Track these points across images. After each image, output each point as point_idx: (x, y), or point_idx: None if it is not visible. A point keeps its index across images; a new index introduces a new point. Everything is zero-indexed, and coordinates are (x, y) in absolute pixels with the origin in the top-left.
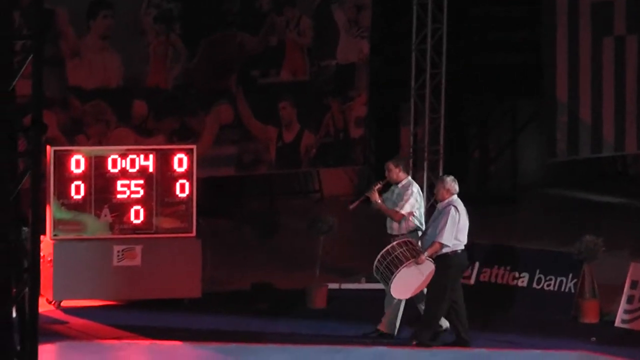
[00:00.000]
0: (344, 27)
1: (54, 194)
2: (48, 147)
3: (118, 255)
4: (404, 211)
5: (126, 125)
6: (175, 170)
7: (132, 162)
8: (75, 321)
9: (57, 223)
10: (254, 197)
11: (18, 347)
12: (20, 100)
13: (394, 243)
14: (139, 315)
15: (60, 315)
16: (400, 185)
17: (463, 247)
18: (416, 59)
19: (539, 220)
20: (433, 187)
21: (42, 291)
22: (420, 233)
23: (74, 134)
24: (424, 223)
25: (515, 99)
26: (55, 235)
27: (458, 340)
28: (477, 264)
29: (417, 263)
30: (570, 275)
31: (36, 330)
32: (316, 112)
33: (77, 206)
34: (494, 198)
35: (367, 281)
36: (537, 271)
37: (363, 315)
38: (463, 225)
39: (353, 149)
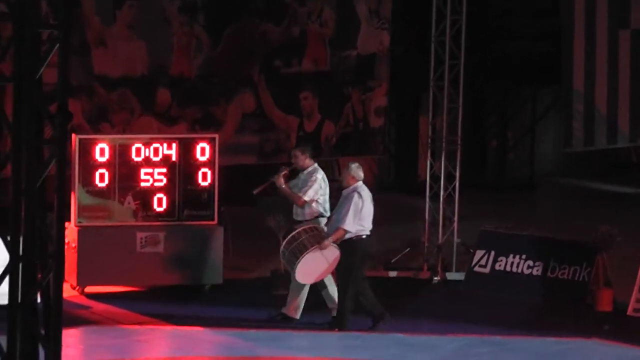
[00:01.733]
0: (365, 18)
1: (79, 181)
2: (73, 135)
3: (141, 242)
4: (306, 197)
5: (150, 113)
6: (197, 159)
7: (156, 150)
8: (99, 306)
9: (81, 210)
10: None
11: (42, 332)
12: (46, 88)
13: (300, 229)
14: (161, 301)
15: (84, 300)
16: (306, 171)
17: (368, 233)
18: (435, 50)
19: (555, 209)
20: (450, 176)
21: (66, 277)
22: (325, 219)
23: (99, 122)
24: (328, 209)
25: (533, 88)
26: (79, 221)
27: (374, 320)
28: (492, 253)
29: (321, 249)
30: (585, 264)
31: (60, 315)
32: (337, 102)
33: (102, 193)
34: (511, 186)
35: (385, 269)
36: (552, 260)
37: (381, 302)
38: (367, 211)
39: (373, 138)
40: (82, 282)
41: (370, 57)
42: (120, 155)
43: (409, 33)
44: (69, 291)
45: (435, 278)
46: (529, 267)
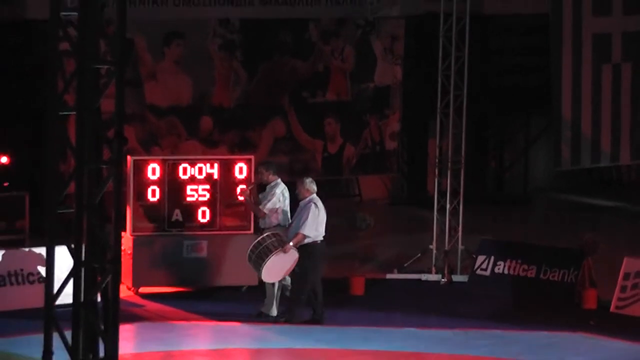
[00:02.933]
0: (381, 55)
1: (134, 196)
2: (128, 156)
3: (187, 249)
4: (265, 209)
5: (195, 137)
6: (236, 177)
7: (200, 169)
8: (151, 305)
9: (136, 221)
10: None
11: (102, 327)
12: (104, 116)
13: (264, 235)
14: (204, 300)
15: (138, 300)
16: (269, 186)
17: (322, 238)
18: (442, 83)
19: (546, 220)
20: (455, 192)
21: (122, 279)
22: (283, 227)
23: (150, 146)
24: (289, 218)
25: (527, 115)
26: (134, 231)
27: (313, 317)
28: (492, 258)
29: (284, 252)
30: (572, 268)
31: (117, 313)
32: (356, 127)
33: (153, 207)
34: (508, 201)
35: (399, 272)
36: (544, 264)
37: (395, 301)
38: (322, 219)
39: (388, 159)
40: (136, 283)
41: (386, 88)
42: (169, 174)
43: (418, 68)
44: (124, 292)
45: (443, 280)
46: (523, 270)
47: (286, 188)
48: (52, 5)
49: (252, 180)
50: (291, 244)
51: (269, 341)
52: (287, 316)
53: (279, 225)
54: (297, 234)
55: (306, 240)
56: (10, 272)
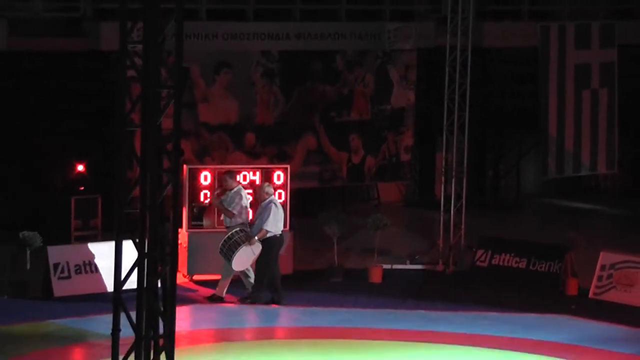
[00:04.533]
0: (397, 81)
1: (189, 199)
2: (184, 165)
3: None
4: (235, 211)
5: (240, 150)
6: (275, 183)
7: (244, 177)
8: (203, 290)
9: (190, 220)
10: (331, 202)
11: (161, 308)
12: (164, 132)
13: (233, 231)
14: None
15: (192, 285)
16: (232, 191)
17: (281, 232)
18: (448, 105)
19: (535, 220)
20: (459, 197)
21: (179, 268)
22: (245, 225)
23: (203, 157)
24: (249, 218)
25: (519, 133)
26: (189, 228)
27: (273, 299)
28: (490, 252)
29: (250, 244)
30: (557, 260)
31: (174, 297)
32: (376, 142)
33: (205, 208)
34: (503, 205)
35: (411, 263)
36: (533, 257)
37: (407, 288)
38: (280, 216)
39: (402, 168)
40: (190, 272)
41: (401, 109)
42: (219, 180)
43: (428, 92)
44: (180, 279)
45: (448, 270)
46: (516, 262)
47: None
48: (121, 38)
49: (217, 186)
50: (256, 238)
51: (301, 321)
52: (253, 297)
53: (243, 223)
54: (260, 229)
55: (268, 235)
56: (85, 262)
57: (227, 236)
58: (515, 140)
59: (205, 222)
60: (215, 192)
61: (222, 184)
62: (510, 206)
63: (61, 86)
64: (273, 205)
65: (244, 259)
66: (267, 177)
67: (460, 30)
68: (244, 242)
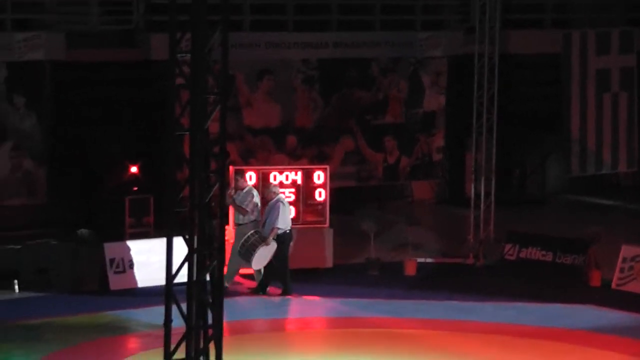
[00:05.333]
0: (428, 86)
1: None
2: (230, 166)
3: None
4: (248, 209)
5: (282, 152)
6: (315, 183)
7: (287, 177)
8: (248, 283)
9: (236, 217)
10: (368, 200)
11: (210, 300)
12: (211, 136)
13: (249, 234)
14: (291, 280)
15: (238, 279)
16: (244, 191)
17: (290, 229)
18: (476, 108)
19: (560, 216)
20: (487, 194)
21: (226, 262)
22: (255, 223)
23: (248, 158)
24: (259, 215)
25: (544, 134)
26: (235, 225)
27: (283, 292)
28: (517, 246)
29: (266, 244)
30: (581, 254)
31: (222, 289)
32: (409, 143)
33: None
34: (529, 201)
35: (444, 256)
36: (558, 250)
37: (440, 280)
38: (288, 213)
39: (434, 168)
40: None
41: (432, 113)
42: (263, 180)
43: (458, 97)
44: None
45: (478, 263)
46: (542, 255)
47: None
48: (171, 48)
49: (231, 185)
50: (271, 237)
51: (341, 312)
52: (286, 291)
53: (254, 220)
54: (272, 228)
55: (279, 232)
56: (139, 258)
57: (243, 239)
58: (540, 141)
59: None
60: (229, 191)
61: (234, 184)
62: (536, 203)
63: (115, 94)
64: (281, 204)
65: (262, 258)
66: (307, 176)
67: (488, 38)
68: (260, 244)
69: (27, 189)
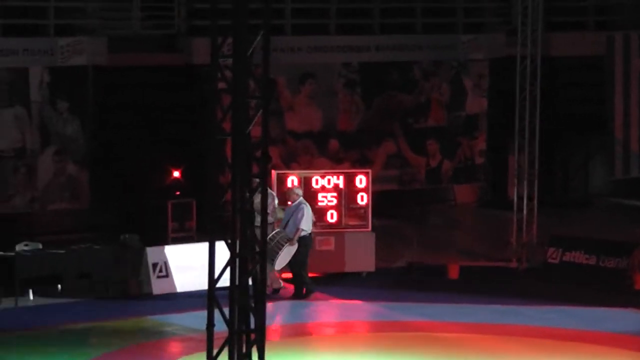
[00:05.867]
0: (470, 89)
1: (277, 202)
2: (272, 170)
3: (319, 243)
4: (268, 210)
5: (324, 156)
6: (357, 186)
7: (329, 181)
8: (290, 287)
9: (278, 221)
10: (410, 203)
11: (252, 304)
12: (253, 140)
13: (272, 234)
14: (332, 283)
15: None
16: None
17: (311, 232)
18: (519, 111)
19: (603, 218)
20: (530, 197)
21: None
22: (272, 225)
23: (290, 162)
24: (276, 218)
25: (587, 135)
26: (278, 229)
27: (307, 292)
28: (560, 249)
29: (291, 245)
30: (624, 257)
31: (264, 293)
32: (452, 146)
33: None
34: (573, 204)
35: (486, 260)
36: (602, 254)
37: (482, 283)
38: (311, 215)
39: (477, 171)
40: (279, 270)
41: (474, 116)
42: (305, 184)
43: (500, 99)
44: None
45: (521, 267)
46: (585, 259)
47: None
48: (213, 53)
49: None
50: (295, 238)
51: (384, 315)
52: (308, 292)
53: (272, 222)
54: (297, 229)
55: (302, 234)
56: (181, 262)
57: (268, 237)
58: (583, 143)
59: None
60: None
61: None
62: (579, 205)
63: (158, 98)
64: (304, 206)
65: (284, 258)
66: (349, 180)
67: (530, 40)
68: (285, 243)
69: (71, 193)
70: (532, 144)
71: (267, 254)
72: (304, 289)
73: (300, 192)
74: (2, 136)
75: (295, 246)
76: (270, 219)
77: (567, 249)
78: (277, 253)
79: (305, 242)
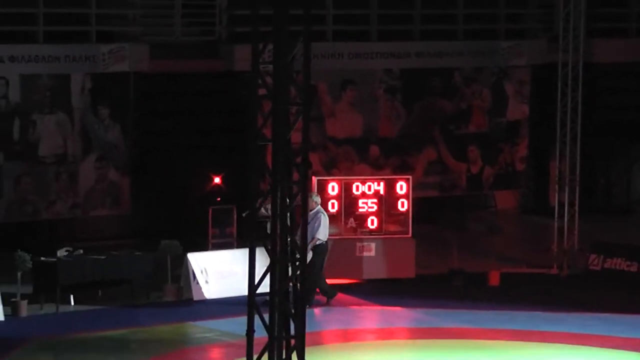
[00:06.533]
0: (512, 95)
1: None
2: (313, 177)
3: (359, 249)
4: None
5: (365, 162)
6: (397, 193)
7: (369, 187)
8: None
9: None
10: (451, 210)
11: (292, 310)
12: (294, 146)
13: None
14: (372, 290)
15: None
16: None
17: (327, 240)
18: (560, 117)
19: None
20: (572, 203)
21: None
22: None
23: (330, 168)
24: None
25: (627, 142)
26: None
27: (328, 298)
28: (602, 256)
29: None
30: None
31: (304, 299)
32: (493, 153)
33: (333, 217)
34: (614, 210)
35: (527, 267)
36: None
37: (523, 290)
38: (327, 224)
39: (518, 177)
40: None
41: (516, 122)
42: (345, 190)
43: (541, 106)
44: None
45: (562, 273)
46: (627, 266)
47: None
48: (254, 59)
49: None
50: (310, 246)
51: (424, 322)
52: (330, 298)
53: None
54: (313, 238)
55: (317, 242)
56: (222, 268)
57: None
58: (625, 149)
59: (332, 229)
60: (265, 202)
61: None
62: (621, 212)
63: (199, 104)
64: (322, 215)
65: None
66: (390, 186)
67: (572, 47)
68: None
69: (112, 199)
70: (574, 150)
71: None
72: (325, 298)
73: (318, 199)
74: (44, 142)
75: (310, 254)
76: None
77: (609, 256)
78: None
79: (320, 251)
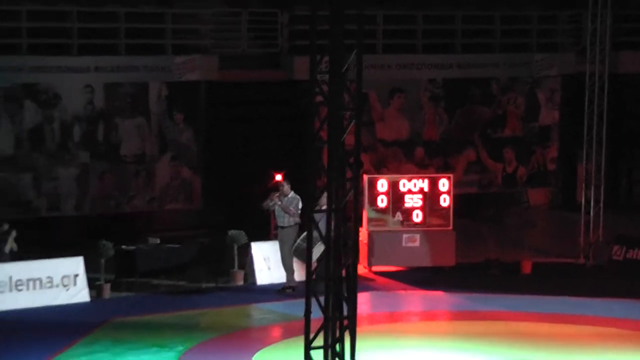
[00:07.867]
0: (544, 102)
1: (368, 203)
2: (364, 175)
3: (405, 240)
4: (297, 210)
5: (411, 162)
6: (440, 190)
7: (414, 184)
8: (380, 279)
9: (369, 220)
10: (488, 206)
11: (345, 294)
12: (347, 148)
13: (303, 236)
14: (416, 276)
15: (371, 275)
16: (289, 196)
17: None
18: (587, 123)
19: None
20: (597, 201)
21: (360, 261)
22: (297, 226)
23: (380, 168)
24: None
25: None
26: (368, 227)
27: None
28: (624, 247)
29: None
30: None
31: (356, 284)
32: (526, 154)
33: (382, 211)
34: (636, 207)
35: (557, 257)
36: None
37: (553, 278)
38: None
39: (549, 176)
40: (370, 264)
41: (547, 127)
42: (393, 187)
43: (571, 112)
44: (361, 270)
45: (588, 263)
46: None
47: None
48: (312, 69)
49: (276, 192)
50: (295, 217)
51: (463, 306)
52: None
53: (297, 224)
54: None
55: (298, 221)
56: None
57: (300, 238)
58: None
59: (381, 222)
60: (276, 195)
61: (279, 189)
62: None
63: (262, 110)
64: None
65: (316, 254)
66: (433, 184)
67: (598, 59)
68: (319, 241)
69: (185, 195)
70: (599, 153)
71: (298, 254)
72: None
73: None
74: (125, 143)
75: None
76: (297, 219)
77: (631, 247)
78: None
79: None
